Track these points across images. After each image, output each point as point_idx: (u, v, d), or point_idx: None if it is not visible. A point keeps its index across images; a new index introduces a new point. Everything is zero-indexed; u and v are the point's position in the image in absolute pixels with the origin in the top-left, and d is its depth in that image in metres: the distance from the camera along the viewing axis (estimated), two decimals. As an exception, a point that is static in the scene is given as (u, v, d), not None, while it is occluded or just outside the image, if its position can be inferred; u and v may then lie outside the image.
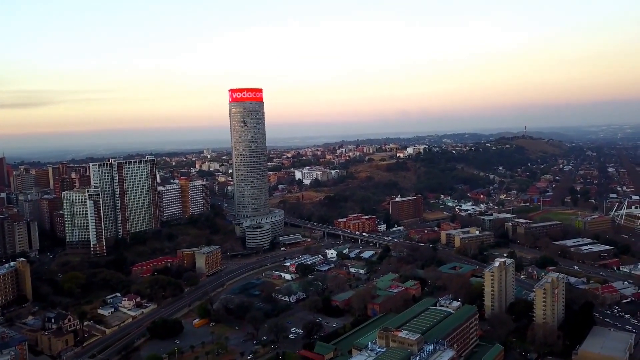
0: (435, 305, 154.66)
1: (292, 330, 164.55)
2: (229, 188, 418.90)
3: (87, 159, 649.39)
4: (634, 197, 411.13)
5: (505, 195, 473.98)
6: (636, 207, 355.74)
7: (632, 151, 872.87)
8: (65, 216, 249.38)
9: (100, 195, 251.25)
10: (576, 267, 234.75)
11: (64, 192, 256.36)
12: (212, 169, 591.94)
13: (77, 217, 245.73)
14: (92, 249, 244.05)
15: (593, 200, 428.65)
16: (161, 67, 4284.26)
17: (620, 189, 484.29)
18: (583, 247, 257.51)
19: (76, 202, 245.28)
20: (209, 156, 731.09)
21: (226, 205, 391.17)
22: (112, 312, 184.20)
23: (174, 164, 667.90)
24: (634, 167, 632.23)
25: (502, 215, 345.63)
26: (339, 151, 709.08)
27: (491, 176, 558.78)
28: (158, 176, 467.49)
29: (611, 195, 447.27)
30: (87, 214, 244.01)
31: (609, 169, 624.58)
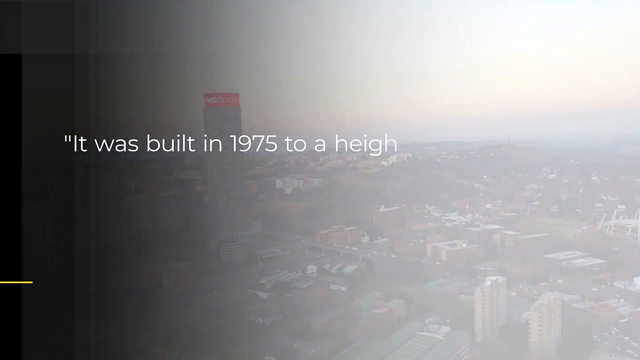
0: (423, 331, 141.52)
1: (265, 358, 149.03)
2: (206, 197, 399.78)
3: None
4: (620, 206, 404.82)
5: (491, 204, 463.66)
6: (624, 218, 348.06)
7: (614, 160, 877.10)
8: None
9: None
10: (568, 283, 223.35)
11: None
12: (190, 177, 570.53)
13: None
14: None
15: (579, 210, 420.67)
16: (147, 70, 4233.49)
17: (605, 198, 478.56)
18: (575, 261, 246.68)
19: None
20: (189, 163, 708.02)
21: (197, 216, 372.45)
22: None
23: (151, 171, 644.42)
24: (617, 175, 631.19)
25: (489, 227, 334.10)
26: (322, 159, 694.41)
27: (476, 185, 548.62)
28: (132, 185, 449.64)
29: (597, 205, 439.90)
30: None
31: (593, 178, 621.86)
